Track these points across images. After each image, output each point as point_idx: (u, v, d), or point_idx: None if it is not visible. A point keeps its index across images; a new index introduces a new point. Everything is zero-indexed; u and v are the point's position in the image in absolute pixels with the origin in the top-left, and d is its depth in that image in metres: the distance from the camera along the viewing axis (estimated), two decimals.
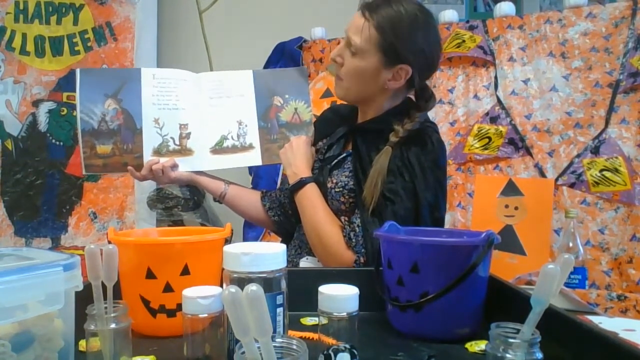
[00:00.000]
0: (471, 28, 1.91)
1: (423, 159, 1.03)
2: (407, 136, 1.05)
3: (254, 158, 1.24)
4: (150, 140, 1.18)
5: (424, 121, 1.09)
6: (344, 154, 1.15)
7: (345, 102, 1.19)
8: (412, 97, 1.15)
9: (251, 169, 2.10)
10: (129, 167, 1.17)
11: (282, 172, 1.22)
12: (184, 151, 1.20)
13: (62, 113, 2.16)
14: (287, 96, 1.27)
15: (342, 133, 1.18)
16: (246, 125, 1.24)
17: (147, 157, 1.17)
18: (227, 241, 0.73)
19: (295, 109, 1.27)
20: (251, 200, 1.29)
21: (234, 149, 1.23)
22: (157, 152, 1.18)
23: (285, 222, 1.26)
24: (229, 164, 1.23)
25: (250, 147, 1.24)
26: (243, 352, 0.38)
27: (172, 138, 1.19)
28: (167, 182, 1.21)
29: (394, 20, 1.01)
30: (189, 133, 1.20)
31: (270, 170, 2.02)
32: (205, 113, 1.23)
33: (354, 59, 1.06)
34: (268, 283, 0.55)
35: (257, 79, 1.27)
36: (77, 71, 1.18)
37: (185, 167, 1.20)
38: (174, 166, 1.18)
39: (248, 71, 1.27)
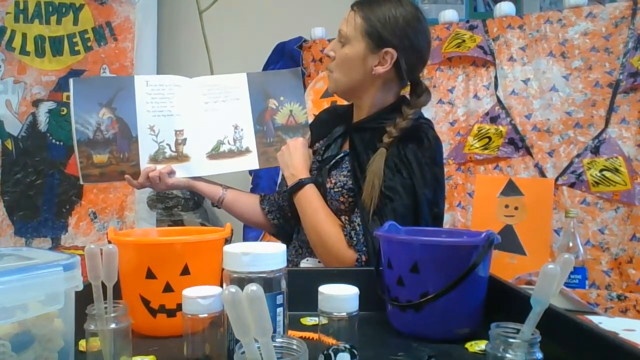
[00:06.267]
0: (471, 28, 1.91)
1: (420, 155, 1.04)
2: (403, 134, 1.06)
3: (251, 162, 1.24)
4: (146, 148, 1.18)
5: (418, 118, 1.10)
6: (342, 154, 1.15)
7: (338, 99, 1.20)
8: (408, 96, 1.16)
9: (251, 169, 2.09)
10: (126, 176, 1.17)
11: (281, 173, 1.22)
12: (180, 157, 1.20)
13: (62, 113, 2.15)
14: (282, 98, 1.27)
15: (339, 133, 1.19)
16: (242, 129, 1.24)
17: (144, 164, 1.17)
18: (227, 241, 0.73)
19: (291, 111, 1.27)
20: (250, 204, 1.29)
21: (231, 153, 1.23)
22: (154, 159, 1.18)
23: (284, 224, 1.26)
24: (226, 168, 1.22)
25: (247, 151, 1.24)
26: (243, 352, 0.38)
27: (168, 145, 1.19)
28: (164, 189, 1.21)
29: (378, 9, 1.07)
30: (185, 139, 1.20)
31: (270, 170, 2.02)
32: (200, 118, 1.22)
33: (343, 49, 1.10)
34: (268, 283, 0.55)
35: (252, 81, 1.27)
36: (71, 81, 1.18)
37: (182, 173, 1.20)
38: (171, 173, 1.18)
39: (242, 74, 1.27)
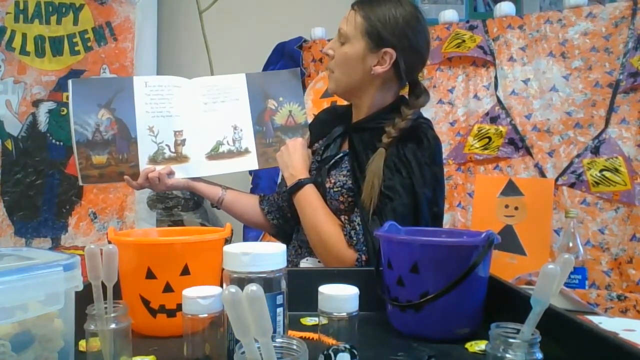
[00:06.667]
0: (471, 28, 1.91)
1: (419, 155, 1.04)
2: (402, 134, 1.06)
3: (250, 162, 1.24)
4: (145, 149, 1.18)
5: (417, 118, 1.10)
6: (341, 154, 1.15)
7: (338, 99, 1.20)
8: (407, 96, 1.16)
9: (251, 170, 2.09)
10: (126, 177, 1.17)
11: (281, 173, 1.23)
12: (179, 158, 1.20)
13: (62, 113, 2.15)
14: (281, 99, 1.27)
15: (338, 133, 1.19)
16: (241, 130, 1.24)
17: (143, 165, 1.17)
18: (227, 241, 0.73)
19: (290, 111, 1.27)
20: (249, 204, 1.29)
21: (230, 154, 1.23)
22: (153, 160, 1.18)
23: (284, 225, 1.26)
24: (225, 169, 1.22)
25: (246, 151, 1.24)
26: (243, 352, 0.38)
27: (167, 145, 1.19)
28: (163, 190, 1.21)
29: (378, 9, 1.07)
30: (184, 140, 1.20)
31: (270, 171, 2.01)
32: (199, 119, 1.22)
33: (342, 48, 1.11)
34: (268, 283, 0.55)
35: (251, 82, 1.27)
36: (69, 82, 1.18)
37: (181, 174, 1.20)
38: (170, 173, 1.18)
39: (241, 74, 1.27)
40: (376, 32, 1.06)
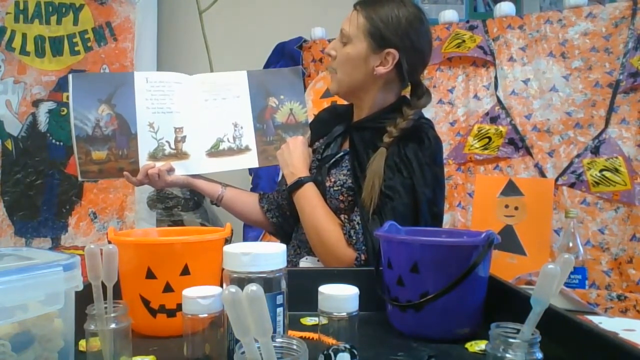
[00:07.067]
0: (471, 28, 1.91)
1: (420, 155, 1.04)
2: (404, 133, 1.06)
3: (250, 160, 1.24)
4: (145, 145, 1.17)
5: (418, 118, 1.10)
6: (342, 153, 1.15)
7: (338, 99, 1.20)
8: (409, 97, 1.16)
9: (251, 170, 2.10)
10: (125, 173, 1.16)
11: (281, 172, 1.23)
12: (179, 155, 1.20)
13: (62, 113, 2.15)
14: (282, 97, 1.26)
15: (339, 132, 1.19)
16: (242, 127, 1.24)
17: (143, 161, 1.17)
18: (227, 241, 0.73)
19: (291, 109, 1.26)
20: (249, 202, 1.29)
21: (230, 151, 1.23)
22: (153, 156, 1.18)
23: (283, 223, 1.26)
24: (225, 166, 1.22)
25: (247, 149, 1.24)
26: (243, 352, 0.38)
27: (167, 142, 1.19)
28: (163, 187, 1.21)
29: (381, 10, 1.07)
30: (185, 136, 1.20)
31: (270, 171, 2.02)
32: (200, 116, 1.22)
33: (345, 48, 1.11)
34: (268, 283, 0.55)
35: (252, 79, 1.26)
36: (70, 77, 1.17)
37: (181, 170, 1.20)
38: (170, 170, 1.18)
39: (242, 72, 1.27)
40: (379, 32, 1.06)
